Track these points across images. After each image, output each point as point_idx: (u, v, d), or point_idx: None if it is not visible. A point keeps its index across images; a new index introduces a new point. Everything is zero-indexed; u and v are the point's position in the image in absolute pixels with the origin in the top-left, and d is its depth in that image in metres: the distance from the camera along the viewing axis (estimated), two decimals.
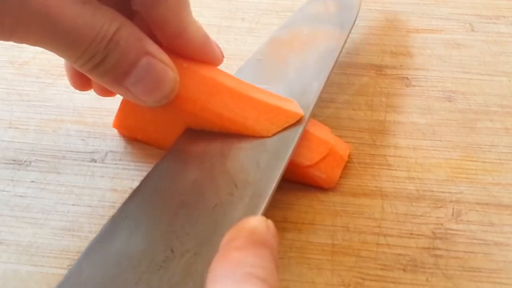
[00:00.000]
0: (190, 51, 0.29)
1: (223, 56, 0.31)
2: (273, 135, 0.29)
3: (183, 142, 0.30)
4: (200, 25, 0.29)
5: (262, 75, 0.32)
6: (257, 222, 0.21)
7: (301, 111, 0.30)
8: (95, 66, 0.25)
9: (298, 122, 0.29)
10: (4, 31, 0.23)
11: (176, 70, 0.27)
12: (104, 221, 0.26)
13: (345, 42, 0.35)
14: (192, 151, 0.29)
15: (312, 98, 0.31)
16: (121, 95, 0.27)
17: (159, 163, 0.29)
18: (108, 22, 0.24)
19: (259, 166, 0.27)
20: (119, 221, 0.26)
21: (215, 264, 0.20)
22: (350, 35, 0.36)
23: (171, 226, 0.25)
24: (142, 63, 0.26)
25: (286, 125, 0.29)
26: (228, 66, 0.31)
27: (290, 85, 0.31)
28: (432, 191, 0.30)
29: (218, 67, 0.31)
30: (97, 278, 0.23)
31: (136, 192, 0.27)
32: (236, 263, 0.19)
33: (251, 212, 0.25)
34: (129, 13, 0.27)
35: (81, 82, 0.31)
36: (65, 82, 0.33)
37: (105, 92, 0.31)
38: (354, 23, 0.38)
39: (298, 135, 0.29)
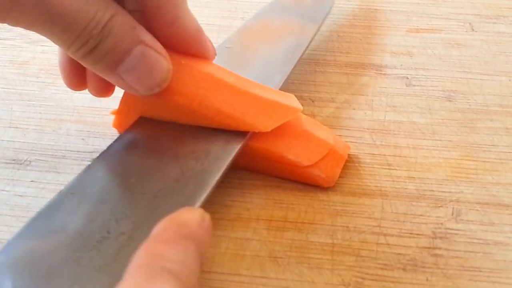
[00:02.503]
0: (183, 41, 0.29)
1: (215, 53, 0.30)
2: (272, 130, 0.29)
3: (140, 125, 0.30)
4: (194, 16, 0.29)
5: (228, 63, 0.32)
6: (191, 215, 0.22)
7: (299, 106, 0.30)
8: (88, 52, 0.25)
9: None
10: (0, 10, 0.23)
11: (169, 59, 0.27)
12: None
13: (314, 35, 0.36)
14: (147, 135, 0.29)
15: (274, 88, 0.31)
16: (113, 83, 0.27)
17: (113, 144, 0.29)
18: (103, 9, 0.25)
19: (208, 156, 0.27)
20: (65, 197, 0.26)
21: (139, 252, 0.20)
22: (324, 31, 0.37)
23: (113, 207, 0.25)
24: (136, 51, 0.26)
25: (285, 120, 0.29)
26: None
27: (253, 76, 0.31)
28: (432, 190, 0.30)
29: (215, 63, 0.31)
30: (30, 252, 0.23)
31: (87, 170, 0.27)
32: (156, 255, 0.20)
33: (191, 201, 0.25)
34: (121, 2, 0.27)
35: (76, 81, 0.31)
36: None
37: (100, 92, 0.31)
38: (325, 18, 0.39)
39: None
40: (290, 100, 0.30)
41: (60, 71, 0.31)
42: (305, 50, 0.35)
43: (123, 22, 0.25)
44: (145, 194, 0.26)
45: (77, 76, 0.31)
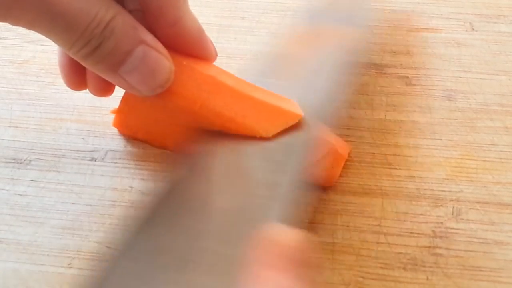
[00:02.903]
0: (184, 42, 0.28)
1: (216, 54, 0.30)
2: (274, 136, 0.29)
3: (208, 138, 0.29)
4: (195, 17, 0.29)
5: (274, 69, 0.32)
6: (292, 236, 0.19)
7: (300, 112, 0.29)
8: (90, 52, 0.25)
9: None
10: (1, 8, 0.23)
11: (171, 59, 0.27)
12: (104, 219, 0.26)
13: (360, 41, 0.35)
14: (221, 147, 0.28)
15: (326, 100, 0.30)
16: (115, 83, 0.27)
17: (187, 156, 0.28)
18: (104, 9, 0.25)
19: (286, 167, 0.26)
20: (142, 222, 0.25)
21: (246, 282, 0.18)
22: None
23: (196, 224, 0.24)
24: (137, 52, 0.26)
25: (286, 126, 0.29)
26: (228, 65, 0.31)
27: (303, 85, 0.31)
28: (432, 190, 0.30)
29: (218, 66, 0.31)
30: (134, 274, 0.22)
31: (162, 188, 0.26)
32: (269, 285, 0.18)
33: (281, 217, 0.23)
34: (122, 2, 0.27)
35: (76, 81, 0.31)
36: None
37: (101, 92, 0.31)
38: (370, 21, 0.38)
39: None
40: (291, 105, 0.30)
41: (60, 71, 0.31)
42: (355, 56, 0.34)
43: (124, 22, 0.25)
44: (228, 210, 0.24)
45: (77, 76, 0.31)
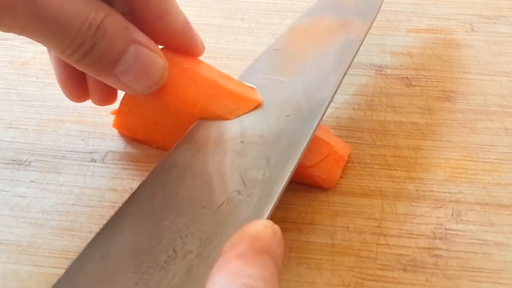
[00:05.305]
0: (171, 35, 0.29)
1: (204, 47, 0.30)
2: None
3: (193, 133, 0.29)
4: (182, 11, 0.29)
5: (279, 66, 0.32)
6: (262, 227, 0.20)
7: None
8: (83, 55, 0.25)
9: (312, 117, 0.28)
10: None
11: (164, 57, 0.27)
12: (104, 221, 0.26)
13: (366, 34, 0.35)
14: (201, 144, 0.28)
15: (328, 92, 0.30)
16: (110, 84, 0.27)
17: (167, 156, 0.28)
18: (94, 11, 0.25)
19: (269, 163, 0.26)
20: (123, 216, 0.25)
21: (215, 271, 0.19)
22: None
23: (176, 224, 0.24)
24: (131, 51, 0.26)
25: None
26: (228, 66, 0.32)
27: (307, 78, 0.31)
28: (432, 191, 0.30)
29: (218, 69, 0.31)
30: (97, 275, 0.23)
31: (143, 185, 0.27)
32: (234, 272, 0.19)
33: (257, 213, 0.24)
34: (110, 4, 0.27)
35: (77, 93, 0.31)
36: None
37: (103, 102, 0.31)
38: (376, 14, 0.37)
39: (312, 130, 0.28)
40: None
41: (60, 85, 0.31)
42: (359, 49, 0.33)
43: (116, 22, 0.25)
44: (207, 208, 0.25)
45: (77, 88, 0.31)
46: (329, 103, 0.29)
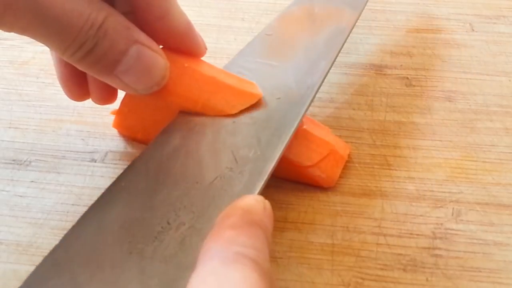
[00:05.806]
0: (173, 36, 0.28)
1: (206, 48, 0.30)
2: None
3: (185, 115, 0.29)
4: (183, 11, 0.29)
5: (270, 50, 0.32)
6: (254, 202, 0.21)
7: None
8: (85, 55, 0.25)
9: (302, 100, 0.29)
10: None
11: (165, 56, 0.27)
12: None
13: (355, 22, 0.35)
14: (194, 124, 0.29)
15: (318, 77, 0.31)
16: (111, 84, 0.27)
17: (161, 134, 0.29)
18: (96, 11, 0.25)
19: (260, 143, 0.27)
20: (117, 189, 0.26)
21: (208, 240, 0.20)
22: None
23: (169, 197, 0.25)
24: (132, 51, 0.26)
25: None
26: None
27: (297, 63, 0.31)
28: (432, 191, 0.30)
29: (219, 67, 0.31)
30: (91, 245, 0.23)
31: (136, 161, 0.27)
32: (228, 241, 0.19)
33: (249, 189, 0.25)
34: (112, 4, 0.27)
35: (78, 92, 0.31)
36: None
37: (103, 101, 0.31)
38: (366, 4, 0.37)
39: (302, 113, 0.29)
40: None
41: (61, 84, 0.31)
42: (348, 36, 0.34)
43: (117, 22, 0.25)
44: (200, 183, 0.25)
45: (78, 88, 0.31)
46: (318, 88, 0.30)
